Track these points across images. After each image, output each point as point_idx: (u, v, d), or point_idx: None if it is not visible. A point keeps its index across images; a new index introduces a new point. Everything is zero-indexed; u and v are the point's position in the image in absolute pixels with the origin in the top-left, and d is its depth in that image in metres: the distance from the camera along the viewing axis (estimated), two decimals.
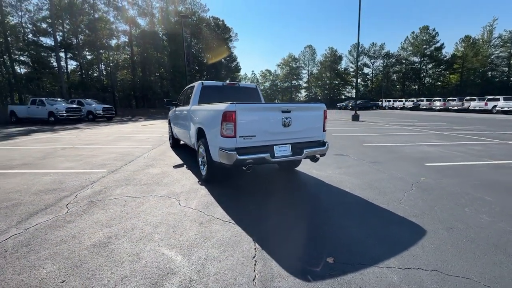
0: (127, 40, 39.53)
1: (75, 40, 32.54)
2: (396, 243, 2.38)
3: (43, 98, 18.35)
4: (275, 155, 3.58)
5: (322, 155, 4.09)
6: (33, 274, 1.94)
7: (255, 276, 1.92)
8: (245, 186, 4.13)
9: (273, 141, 3.60)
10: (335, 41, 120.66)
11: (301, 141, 3.85)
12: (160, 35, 42.36)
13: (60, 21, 29.47)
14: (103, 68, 41.02)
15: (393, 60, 63.10)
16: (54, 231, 2.59)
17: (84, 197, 3.53)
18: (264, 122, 3.48)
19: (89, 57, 37.98)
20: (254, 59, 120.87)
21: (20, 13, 27.48)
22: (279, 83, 74.70)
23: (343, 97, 68.45)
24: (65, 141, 8.94)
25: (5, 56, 25.97)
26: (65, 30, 32.15)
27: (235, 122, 3.27)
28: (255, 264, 2.06)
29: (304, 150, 3.75)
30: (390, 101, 45.34)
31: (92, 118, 20.82)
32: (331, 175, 4.64)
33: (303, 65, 71.74)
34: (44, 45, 29.34)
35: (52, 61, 30.71)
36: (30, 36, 28.62)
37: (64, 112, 17.47)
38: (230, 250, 2.27)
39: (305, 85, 74.01)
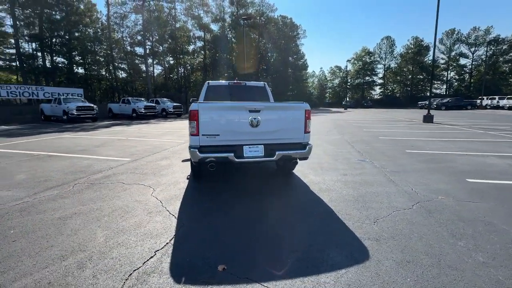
0: (201, 45, 44.04)
1: (160, 48, 38.39)
2: (308, 270, 2.05)
3: (130, 98, 22.45)
4: (245, 155, 3.51)
5: (303, 158, 3.77)
6: (11, 227, 2.56)
7: (138, 268, 2.02)
8: (226, 184, 4.19)
9: (242, 141, 3.53)
10: (419, 31, 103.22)
11: (276, 143, 3.64)
12: (229, 38, 45.33)
13: (149, 33, 35.31)
14: (182, 71, 46.94)
15: (505, 47, 49.80)
16: (47, 203, 3.30)
17: (92, 179, 4.30)
18: (229, 121, 3.46)
19: (171, 62, 44.13)
20: (323, 56, 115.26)
21: (121, 29, 34.48)
22: (349, 80, 69.37)
23: (428, 94, 58.28)
24: (126, 134, 10.82)
25: (110, 65, 33.09)
26: (154, 40, 38.28)
27: (198, 121, 3.38)
28: (151, 257, 2.16)
29: (276, 152, 3.54)
30: (494, 98, 36.18)
31: (165, 115, 24.22)
32: (325, 182, 4.19)
33: (378, 59, 64.54)
34: (138, 54, 35.98)
35: (142, 67, 37.26)
36: (128, 47, 35.60)
37: (142, 109, 20.99)
38: (146, 240, 2.42)
39: (380, 81, 66.47)
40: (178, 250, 2.27)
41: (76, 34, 30.41)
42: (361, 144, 7.79)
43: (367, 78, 66.86)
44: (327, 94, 79.26)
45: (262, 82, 5.78)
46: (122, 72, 37.20)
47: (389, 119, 19.01)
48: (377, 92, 68.94)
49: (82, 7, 29.25)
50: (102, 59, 33.25)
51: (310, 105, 3.88)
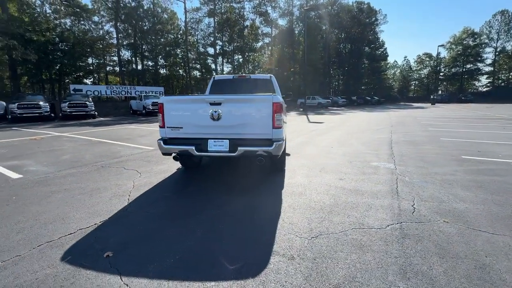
0: (268, 41, 44.73)
1: (230, 47, 41.02)
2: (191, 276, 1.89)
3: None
4: (209, 149, 3.45)
5: (274, 156, 3.42)
6: (16, 195, 3.32)
7: (52, 240, 2.29)
8: (204, 177, 4.21)
9: (207, 134, 3.47)
10: None
11: (241, 137, 3.43)
12: (296, 32, 44.38)
13: (220, 34, 38.20)
14: (251, 68, 48.89)
15: None
16: (57, 179, 4.07)
17: (106, 163, 5.04)
18: (191, 114, 3.44)
19: (241, 60, 46.57)
20: (408, 42, 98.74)
21: (196, 33, 38.53)
22: (442, 69, 57.71)
23: None
24: None
25: (186, 66, 37.60)
26: (225, 40, 41.21)
27: (163, 113, 3.50)
28: (70, 233, 2.41)
29: (238, 148, 3.33)
30: None
31: None
32: (306, 185, 3.70)
33: (487, 40, 51.20)
34: (210, 54, 39.50)
35: (214, 66, 40.76)
36: (201, 48, 39.57)
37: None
38: (86, 219, 2.71)
39: (488, 68, 52.81)
40: (95, 232, 2.46)
41: (162, 40, 35.70)
42: (404, 146, 6.47)
43: (468, 66, 54.30)
44: (412, 87, 68.38)
45: (268, 75, 5.49)
46: (196, 71, 41.74)
47: (480, 117, 15.04)
48: (482, 83, 55.19)
49: (165, 16, 34.12)
50: (180, 61, 38.06)
51: (389, 100, 3.45)
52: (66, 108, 16.27)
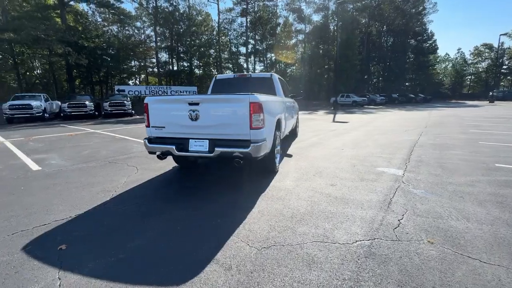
0: (301, 38, 43.65)
1: (262, 46, 41.06)
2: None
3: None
4: (190, 149, 3.46)
5: (254, 158, 3.28)
6: (25, 185, 3.74)
7: (27, 229, 2.50)
8: (194, 176, 4.24)
9: (188, 134, 3.48)
10: None
11: (220, 138, 3.36)
12: (331, 27, 42.55)
13: (253, 32, 38.40)
14: (283, 66, 48.35)
15: None
16: (66, 172, 4.48)
17: (115, 159, 5.39)
18: (172, 114, 3.47)
19: (273, 58, 46.29)
20: (462, 33, 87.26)
21: (229, 32, 39.29)
22: (506, 61, 50.08)
23: None
24: None
25: (218, 66, 38.65)
26: (257, 38, 41.34)
27: (148, 113, 3.60)
28: (44, 224, 2.61)
29: (215, 148, 3.27)
30: None
31: None
32: (290, 190, 3.49)
33: None
34: (242, 53, 40.03)
35: (245, 65, 41.15)
36: (233, 48, 40.27)
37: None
38: (67, 211, 2.92)
39: None
40: (65, 225, 2.62)
41: (197, 41, 37.26)
42: (428, 150, 5.74)
43: None
44: (467, 83, 60.83)
45: (269, 73, 5.31)
46: (229, 71, 42.65)
47: None
48: None
49: (199, 18, 35.49)
50: (212, 61, 39.30)
51: (438, 97, 3.24)
52: (107, 107, 17.92)
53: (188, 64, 36.56)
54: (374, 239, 2.27)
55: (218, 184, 3.87)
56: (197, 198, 3.30)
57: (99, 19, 30.31)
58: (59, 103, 18.39)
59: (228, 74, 5.84)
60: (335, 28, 42.97)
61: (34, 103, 15.31)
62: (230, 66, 40.72)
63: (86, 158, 5.53)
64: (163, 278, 1.82)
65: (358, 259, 1.99)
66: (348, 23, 42.23)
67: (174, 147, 3.44)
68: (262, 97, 3.32)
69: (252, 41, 39.29)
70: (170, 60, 35.31)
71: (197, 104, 3.32)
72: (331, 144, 6.72)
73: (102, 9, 28.58)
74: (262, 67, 45.06)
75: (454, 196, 3.18)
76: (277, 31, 39.22)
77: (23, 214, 2.85)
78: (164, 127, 3.57)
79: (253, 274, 1.84)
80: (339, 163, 4.80)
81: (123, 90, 25.23)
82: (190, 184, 3.83)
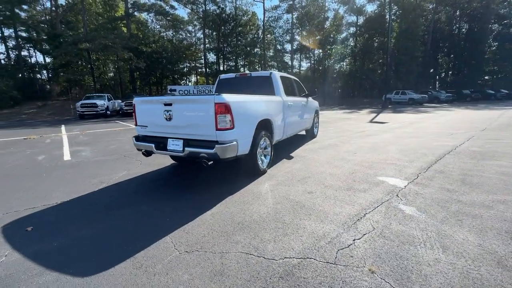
0: (353, 31, 40.71)
1: (308, 42, 39.69)
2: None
3: None
4: (168, 148, 3.61)
5: (221, 159, 3.25)
6: (48, 172, 4.46)
7: (11, 211, 2.98)
8: (183, 174, 4.39)
9: (167, 133, 3.63)
10: None
11: (191, 138, 3.41)
12: (387, 17, 38.54)
13: (300, 28, 37.46)
14: (332, 62, 45.98)
15: None
16: (84, 164, 5.14)
17: (131, 153, 5.94)
18: (152, 114, 3.65)
19: (321, 54, 44.38)
20: None
21: (274, 30, 39.08)
22: None
23: None
24: None
25: (263, 65, 38.92)
26: (304, 34, 40.18)
27: (135, 112, 3.87)
28: (33, 208, 3.06)
29: (185, 148, 3.34)
30: None
31: None
32: (257, 192, 3.33)
33: None
34: (287, 51, 39.42)
35: (290, 63, 40.49)
36: (278, 46, 39.92)
37: None
38: (63, 197, 3.38)
39: None
40: (48, 209, 3.03)
41: (244, 41, 38.20)
42: (462, 159, 4.78)
43: None
44: None
45: (268, 72, 5.11)
46: (274, 69, 42.59)
47: None
48: None
49: (245, 18, 36.20)
50: (256, 60, 39.73)
51: None
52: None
53: (234, 63, 37.81)
54: (306, 258, 2.01)
55: (200, 183, 3.92)
56: (168, 195, 3.43)
57: (157, 26, 33.79)
58: (120, 101, 21.14)
59: (230, 73, 5.84)
60: (395, 17, 38.80)
61: (99, 102, 17.96)
62: (275, 64, 40.61)
63: (109, 151, 6.26)
64: (80, 268, 1.96)
65: (270, 279, 1.80)
66: (409, 11, 37.62)
67: (153, 145, 3.63)
68: (230, 97, 3.23)
69: (298, 37, 38.40)
70: (217, 60, 37.11)
71: (170, 104, 3.43)
72: (346, 147, 6.15)
73: (159, 16, 31.72)
74: (308, 64, 43.70)
75: (451, 218, 2.58)
76: (325, 26, 37.38)
77: (26, 197, 3.40)
78: (147, 126, 3.80)
79: (154, 277, 1.84)
80: (338, 168, 4.37)
81: (175, 90, 27.57)
82: (173, 181, 3.99)
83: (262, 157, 4.21)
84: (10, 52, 29.14)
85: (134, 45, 26.85)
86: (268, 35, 39.59)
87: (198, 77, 40.13)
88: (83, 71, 28.78)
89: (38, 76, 30.89)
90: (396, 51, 39.10)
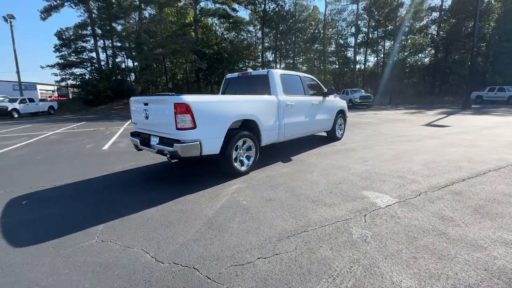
0: (434, 17, 34.56)
1: (376, 34, 35.71)
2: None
3: (349, 89, 24.28)
4: (151, 144, 3.91)
5: (184, 157, 3.37)
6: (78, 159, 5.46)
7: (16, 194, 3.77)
8: (175, 171, 4.66)
9: (149, 131, 3.93)
10: None
11: (162, 136, 3.62)
12: None
13: (366, 21, 33.94)
14: (406, 54, 40.23)
15: None
16: (116, 154, 6.03)
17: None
18: (138, 112, 3.99)
19: (395, 45, 39.32)
20: None
21: (336, 24, 36.45)
22: None
23: None
24: None
25: (323, 61, 36.91)
26: (371, 24, 36.35)
27: (131, 110, 4.31)
28: (46, 186, 3.81)
29: (156, 145, 3.57)
30: None
31: (351, 105, 23.45)
32: (218, 196, 3.28)
33: None
34: (350, 45, 36.31)
35: (354, 58, 37.18)
36: (340, 40, 37.02)
37: (358, 99, 22.22)
38: (72, 179, 4.10)
39: None
40: (53, 189, 3.71)
41: (304, 37, 37.21)
42: (507, 177, 3.60)
43: None
44: None
45: (266, 70, 4.87)
46: (334, 65, 40.00)
47: None
48: None
49: (304, 14, 34.99)
50: (315, 56, 37.97)
51: None
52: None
53: (291, 61, 37.23)
54: (192, 267, 1.91)
55: (178, 181, 4.12)
56: (140, 189, 3.72)
57: (219, 29, 36.15)
58: None
59: (236, 73, 5.82)
60: None
61: None
62: (335, 60, 38.05)
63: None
64: (18, 240, 2.38)
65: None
66: None
67: (138, 141, 4.00)
68: (190, 98, 3.27)
69: (364, 29, 34.88)
70: (275, 58, 37.27)
71: (147, 104, 3.71)
72: (363, 153, 5.38)
73: (222, 20, 33.88)
74: (375, 58, 39.29)
75: (405, 254, 2.01)
76: (397, 13, 32.83)
77: (46, 178, 4.24)
78: (136, 123, 4.20)
79: (58, 258, 2.08)
80: (328, 177, 3.90)
81: None
82: (161, 176, 4.31)
83: (243, 158, 4.12)
84: (108, 59, 36.11)
85: (199, 48, 29.46)
86: (330, 29, 37.37)
87: None
88: (159, 72, 33.29)
89: (127, 78, 37.43)
90: (497, 38, 31.43)
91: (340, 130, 6.98)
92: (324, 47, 35.73)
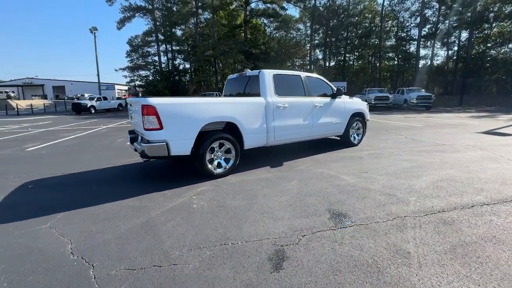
0: None
1: (449, 23, 30.57)
2: None
3: (404, 88, 22.00)
4: (134, 142, 4.23)
5: (153, 157, 3.58)
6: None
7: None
8: (170, 167, 4.89)
9: (136, 130, 4.24)
10: None
11: (141, 135, 3.84)
12: None
13: (434, 9, 29.29)
14: (488, 46, 33.46)
15: None
16: (128, 149, 6.71)
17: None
18: (130, 112, 4.32)
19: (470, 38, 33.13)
20: None
21: (398, 15, 32.37)
22: None
23: None
24: None
25: (378, 57, 33.36)
26: (441, 12, 31.33)
27: (128, 110, 4.70)
28: (56, 173, 4.48)
29: (134, 143, 3.83)
30: None
31: (406, 107, 20.78)
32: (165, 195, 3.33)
33: None
34: (413, 38, 31.89)
35: (421, 52, 32.62)
36: (401, 33, 32.78)
37: (373, 100, 20.19)
38: (82, 168, 4.74)
39: None
40: (61, 176, 4.34)
41: (359, 31, 34.47)
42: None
43: None
44: None
45: (257, 71, 4.67)
46: (392, 61, 35.80)
47: None
48: None
49: (359, 7, 32.17)
50: (369, 52, 34.60)
51: None
52: None
53: (343, 58, 34.91)
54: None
55: (161, 178, 4.32)
56: (118, 185, 4.04)
57: (268, 29, 36.32)
58: None
59: (236, 74, 5.73)
60: None
61: None
62: (392, 55, 34.01)
63: None
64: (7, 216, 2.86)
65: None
66: None
67: (129, 138, 4.35)
68: (157, 100, 3.38)
69: (433, 19, 30.20)
70: (324, 56, 35.50)
71: (131, 105, 3.99)
72: (369, 163, 4.72)
73: (271, 19, 33.97)
74: (445, 52, 33.65)
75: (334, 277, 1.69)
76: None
77: (63, 166, 4.96)
78: (130, 123, 4.57)
79: (10, 237, 2.43)
80: (305, 187, 3.55)
81: None
82: (152, 171, 4.60)
83: (221, 161, 4.08)
84: (168, 62, 40.19)
85: (246, 48, 30.25)
86: (389, 22, 33.59)
87: None
88: (210, 73, 35.46)
89: (183, 78, 41.04)
90: None
91: (357, 135, 6.26)
92: (381, 42, 32.35)
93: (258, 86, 4.57)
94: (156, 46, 35.79)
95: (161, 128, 3.43)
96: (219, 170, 4.03)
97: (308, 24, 34.97)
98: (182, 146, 3.64)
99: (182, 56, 38.94)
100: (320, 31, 34.75)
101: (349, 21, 31.17)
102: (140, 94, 44.65)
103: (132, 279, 1.84)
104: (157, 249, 2.19)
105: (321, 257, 2.03)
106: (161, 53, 37.15)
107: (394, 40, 33.73)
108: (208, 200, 3.19)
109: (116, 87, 54.65)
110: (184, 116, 3.63)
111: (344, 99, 5.81)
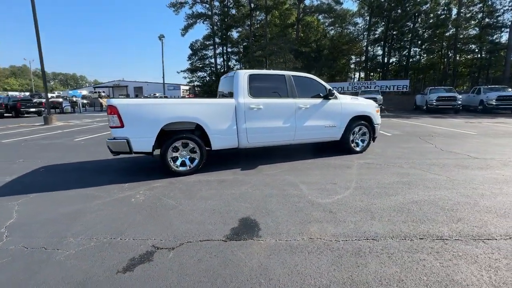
0: None
1: None
2: None
3: (482, 87, 18.61)
4: None
5: (116, 152, 3.98)
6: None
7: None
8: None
9: None
10: None
11: None
12: None
13: None
14: None
15: None
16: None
17: None
18: None
19: None
20: None
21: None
22: None
23: None
24: None
25: (453, 49, 27.82)
26: None
27: None
28: (57, 162, 5.38)
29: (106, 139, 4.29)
30: None
31: (482, 109, 17.03)
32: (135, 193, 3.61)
33: None
34: (504, 24, 25.31)
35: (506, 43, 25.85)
36: (487, 21, 26.39)
37: (434, 101, 17.22)
38: (82, 159, 5.59)
39: None
40: (63, 163, 5.21)
41: (430, 21, 29.76)
42: None
43: None
44: None
45: (233, 71, 4.59)
46: (472, 55, 29.38)
47: None
48: None
49: None
50: (444, 44, 29.15)
51: None
52: None
53: (407, 53, 30.58)
54: None
55: (145, 171, 4.71)
56: (115, 172, 4.57)
57: (324, 25, 34.53)
58: None
59: (229, 72, 5.70)
60: None
61: None
62: (475, 47, 27.84)
63: None
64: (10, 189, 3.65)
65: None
66: None
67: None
68: (118, 101, 3.71)
69: None
70: (383, 51, 31.79)
71: None
72: (351, 175, 4.14)
73: (325, 14, 32.34)
74: None
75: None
76: None
77: (75, 156, 5.90)
78: None
79: None
80: (253, 193, 3.40)
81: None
82: (145, 164, 5.08)
83: (185, 160, 4.22)
84: (224, 63, 42.63)
85: (295, 47, 29.63)
86: (471, 8, 27.68)
87: (360, 72, 36.78)
88: None
89: None
90: None
91: (361, 141, 5.52)
92: (457, 32, 26.98)
93: (232, 84, 4.53)
94: (213, 49, 38.41)
95: (122, 126, 3.77)
96: (182, 169, 4.17)
97: (367, 18, 31.87)
98: (142, 143, 3.92)
99: (236, 57, 40.72)
100: (380, 24, 31.24)
101: (416, 9, 26.98)
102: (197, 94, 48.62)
103: (19, 254, 2.13)
104: (60, 234, 2.46)
105: (186, 269, 1.95)
106: (217, 55, 39.69)
107: (476, 29, 27.60)
108: (149, 196, 3.37)
109: (182, 87, 60.90)
110: (144, 116, 3.89)
111: (342, 100, 5.21)
